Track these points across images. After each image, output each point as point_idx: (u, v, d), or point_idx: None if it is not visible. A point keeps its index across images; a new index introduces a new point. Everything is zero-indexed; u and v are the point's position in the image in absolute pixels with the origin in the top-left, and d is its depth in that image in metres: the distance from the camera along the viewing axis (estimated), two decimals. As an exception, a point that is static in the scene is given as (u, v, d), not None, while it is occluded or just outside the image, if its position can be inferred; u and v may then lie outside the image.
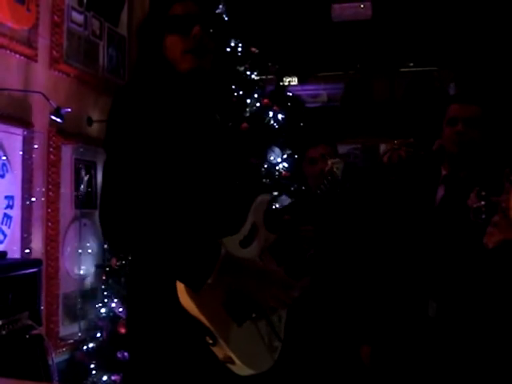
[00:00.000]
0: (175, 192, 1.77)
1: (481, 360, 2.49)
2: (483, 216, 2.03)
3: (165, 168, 1.76)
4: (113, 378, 4.01)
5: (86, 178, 4.49)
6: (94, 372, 4.08)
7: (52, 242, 4.04)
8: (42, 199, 3.98)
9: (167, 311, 1.77)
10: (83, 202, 4.46)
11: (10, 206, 3.67)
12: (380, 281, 2.92)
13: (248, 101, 4.92)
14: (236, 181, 2.00)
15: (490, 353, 2.49)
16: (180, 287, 1.71)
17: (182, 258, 1.67)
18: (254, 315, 1.83)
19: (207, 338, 1.71)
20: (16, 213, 3.73)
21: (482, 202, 2.02)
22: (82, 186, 4.45)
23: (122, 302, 4.14)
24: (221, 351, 1.74)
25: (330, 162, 2.56)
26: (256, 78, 5.18)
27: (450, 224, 2.56)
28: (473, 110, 2.63)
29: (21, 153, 3.79)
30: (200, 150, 1.86)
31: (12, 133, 3.72)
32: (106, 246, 4.55)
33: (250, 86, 4.97)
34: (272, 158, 4.94)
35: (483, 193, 2.04)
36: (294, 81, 7.61)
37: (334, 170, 2.38)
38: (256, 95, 4.99)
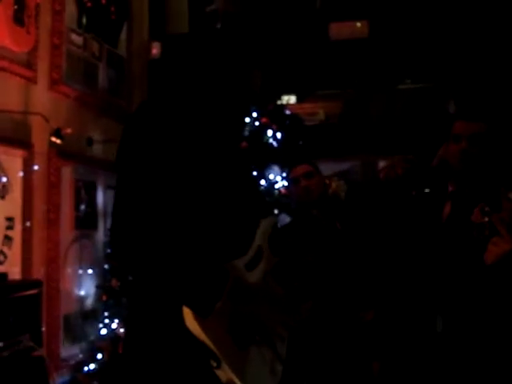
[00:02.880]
0: (185, 216, 1.77)
1: (487, 374, 2.49)
2: (486, 232, 2.03)
3: (178, 191, 1.76)
4: (114, 399, 3.99)
5: (86, 199, 4.50)
6: (95, 393, 4.06)
7: (52, 263, 4.04)
8: (43, 220, 3.98)
9: (172, 332, 1.77)
10: (83, 223, 4.46)
11: (10, 228, 3.67)
12: (388, 296, 2.93)
13: (247, 119, 4.94)
14: (243, 202, 2.00)
15: (497, 367, 2.48)
16: (187, 312, 1.71)
17: (190, 284, 1.68)
18: (257, 338, 1.83)
19: (211, 361, 1.71)
20: (16, 234, 3.73)
21: (486, 219, 2.03)
22: (82, 207, 4.45)
23: (122, 323, 4.13)
24: (224, 375, 1.74)
25: (334, 185, 2.57)
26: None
27: (456, 240, 2.57)
28: (477, 126, 2.64)
29: (21, 174, 3.79)
30: (214, 173, 1.88)
31: (12, 154, 3.72)
32: (106, 266, 4.55)
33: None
34: (271, 176, 4.95)
35: (487, 209, 2.05)
36: (292, 99, 7.64)
37: (339, 192, 2.40)
38: (255, 114, 5.01)
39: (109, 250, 4.53)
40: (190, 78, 2.01)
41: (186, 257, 1.69)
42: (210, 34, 2.04)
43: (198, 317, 1.69)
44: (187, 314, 1.71)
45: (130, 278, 4.10)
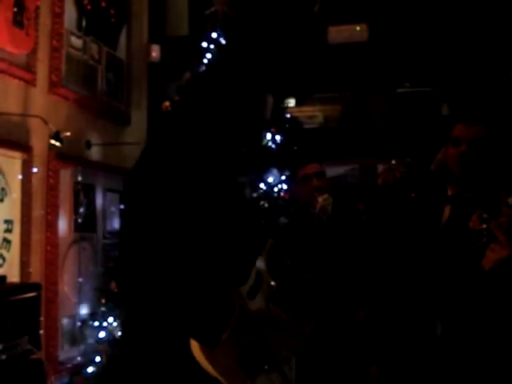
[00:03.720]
0: (189, 248, 1.76)
1: (486, 378, 2.49)
2: (484, 239, 2.03)
3: (190, 226, 1.76)
4: (112, 402, 3.98)
5: (84, 202, 4.50)
6: (93, 396, 4.05)
7: (51, 265, 4.03)
8: (41, 223, 3.97)
9: (181, 368, 1.75)
10: (82, 226, 4.45)
11: (9, 230, 3.66)
12: (387, 300, 2.93)
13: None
14: (244, 232, 1.99)
15: (496, 370, 2.48)
16: (194, 344, 1.70)
17: (197, 316, 1.67)
18: (266, 367, 1.82)
19: None
20: (15, 237, 3.72)
21: (484, 225, 2.02)
22: (81, 210, 4.45)
23: (121, 326, 4.12)
24: None
25: (320, 200, 2.56)
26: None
27: (455, 244, 2.57)
28: (477, 130, 2.64)
29: (20, 177, 3.79)
30: (217, 203, 1.87)
31: (11, 157, 3.72)
32: (104, 269, 4.55)
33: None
34: (270, 179, 4.95)
35: (485, 215, 2.04)
36: (292, 102, 7.64)
37: (326, 206, 2.40)
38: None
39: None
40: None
41: (192, 288, 1.67)
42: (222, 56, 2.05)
43: (206, 350, 1.67)
44: (195, 348, 1.69)
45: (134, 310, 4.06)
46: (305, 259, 3.07)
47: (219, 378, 1.69)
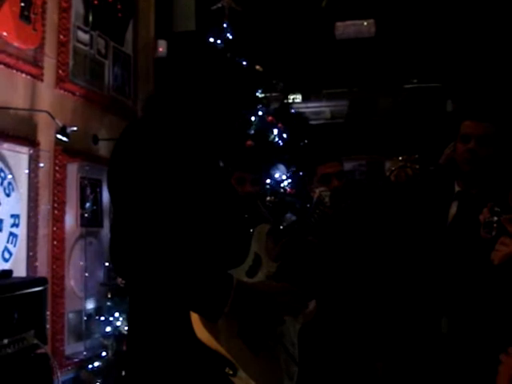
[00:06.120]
0: (187, 227, 1.76)
1: (492, 375, 2.48)
2: (494, 232, 2.02)
3: (180, 205, 1.75)
4: (118, 396, 3.99)
5: (91, 196, 4.50)
6: (99, 391, 4.06)
7: (57, 260, 4.04)
8: (48, 218, 3.98)
9: (183, 344, 1.75)
10: (89, 220, 4.46)
11: (15, 225, 3.67)
12: (393, 298, 2.92)
13: (253, 118, 4.94)
14: (236, 213, 2.00)
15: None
16: (195, 321, 1.70)
17: (198, 289, 1.67)
18: (270, 343, 1.82)
19: (227, 369, 1.70)
20: (22, 231, 3.73)
21: (495, 218, 2.01)
22: (88, 204, 4.45)
23: (127, 321, 4.13)
24: (241, 382, 1.73)
25: (317, 191, 2.55)
26: (260, 95, 5.20)
27: (462, 241, 2.56)
28: (486, 127, 2.63)
29: (26, 171, 3.80)
30: (208, 188, 1.87)
31: (18, 151, 3.73)
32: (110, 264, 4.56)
33: (254, 104, 4.99)
34: (277, 175, 4.94)
35: (496, 208, 2.03)
36: (299, 98, 7.63)
37: (323, 198, 2.41)
38: (260, 113, 5.00)
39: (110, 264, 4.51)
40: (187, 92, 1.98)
41: (191, 264, 1.67)
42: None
43: (209, 326, 1.67)
44: (197, 325, 1.69)
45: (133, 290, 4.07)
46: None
47: (225, 353, 1.69)
